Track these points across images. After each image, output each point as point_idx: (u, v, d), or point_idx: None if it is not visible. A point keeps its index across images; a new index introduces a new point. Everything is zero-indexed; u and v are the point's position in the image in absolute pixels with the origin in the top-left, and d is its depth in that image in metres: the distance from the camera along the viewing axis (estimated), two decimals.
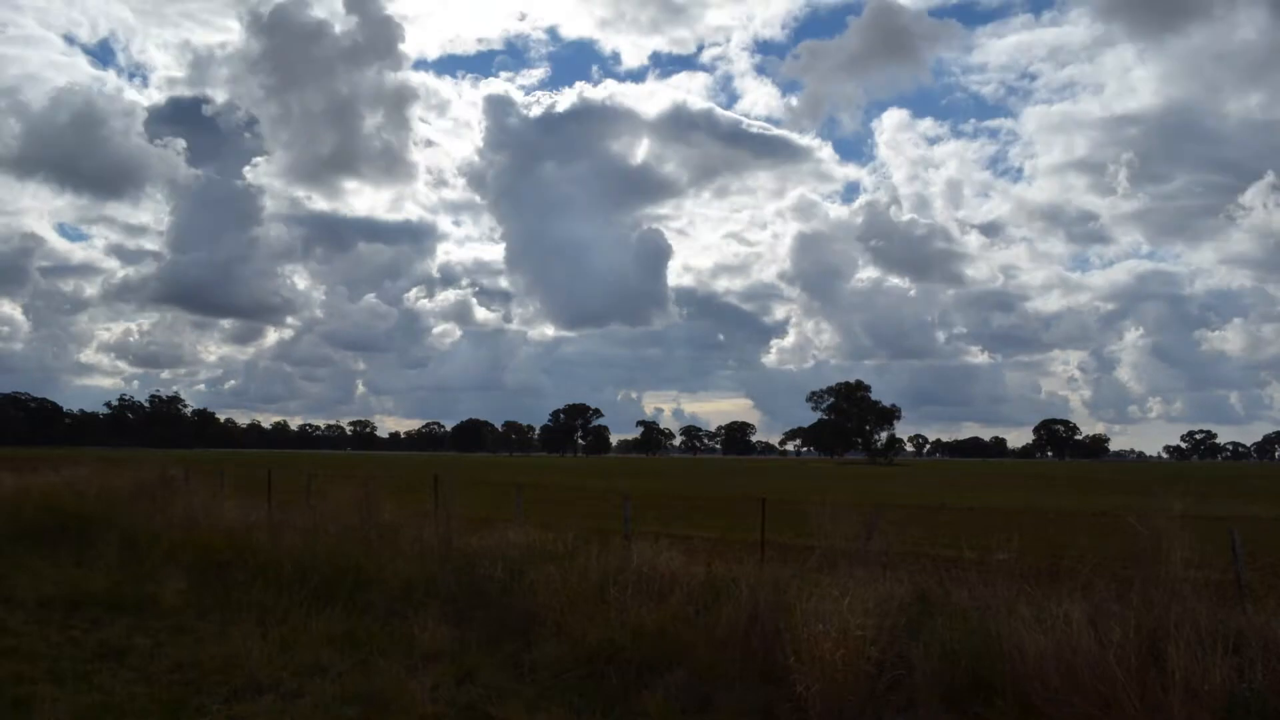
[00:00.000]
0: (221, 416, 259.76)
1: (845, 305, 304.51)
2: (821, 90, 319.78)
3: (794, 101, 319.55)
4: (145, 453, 35.47)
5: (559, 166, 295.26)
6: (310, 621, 9.71)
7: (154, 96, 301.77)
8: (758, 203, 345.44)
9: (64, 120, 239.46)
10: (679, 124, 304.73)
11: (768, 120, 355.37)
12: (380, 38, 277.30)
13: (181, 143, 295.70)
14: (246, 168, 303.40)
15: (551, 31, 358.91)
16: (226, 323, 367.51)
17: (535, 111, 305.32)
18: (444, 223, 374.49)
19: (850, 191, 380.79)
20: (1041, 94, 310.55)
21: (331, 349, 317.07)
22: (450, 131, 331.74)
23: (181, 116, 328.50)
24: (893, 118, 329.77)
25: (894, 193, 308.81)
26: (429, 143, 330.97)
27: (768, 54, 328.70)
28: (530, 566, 10.59)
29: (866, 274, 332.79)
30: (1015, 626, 7.10)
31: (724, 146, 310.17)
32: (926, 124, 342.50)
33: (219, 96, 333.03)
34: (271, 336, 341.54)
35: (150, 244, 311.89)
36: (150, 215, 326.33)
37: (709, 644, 8.24)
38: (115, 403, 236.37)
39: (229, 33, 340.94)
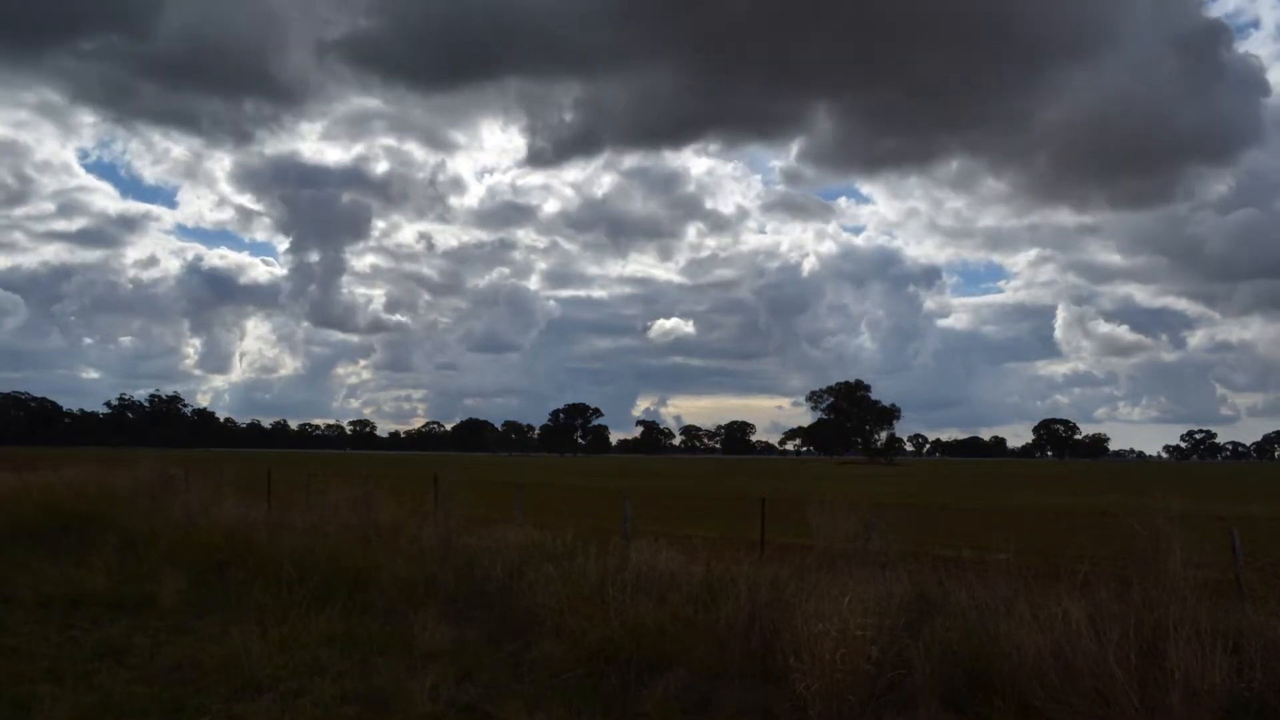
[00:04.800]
0: (221, 416, 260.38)
1: None
2: None
3: None
4: (145, 452, 35.45)
5: None
6: (310, 621, 9.70)
7: None
8: None
9: None
10: None
11: None
12: None
13: None
14: None
15: None
16: None
17: None
18: None
19: None
20: None
21: None
22: None
23: None
24: None
25: None
26: None
27: None
28: (529, 566, 10.60)
29: None
30: (1014, 626, 7.10)
31: None
32: None
33: None
34: None
35: None
36: None
37: (708, 643, 8.24)
38: (115, 402, 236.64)
39: None
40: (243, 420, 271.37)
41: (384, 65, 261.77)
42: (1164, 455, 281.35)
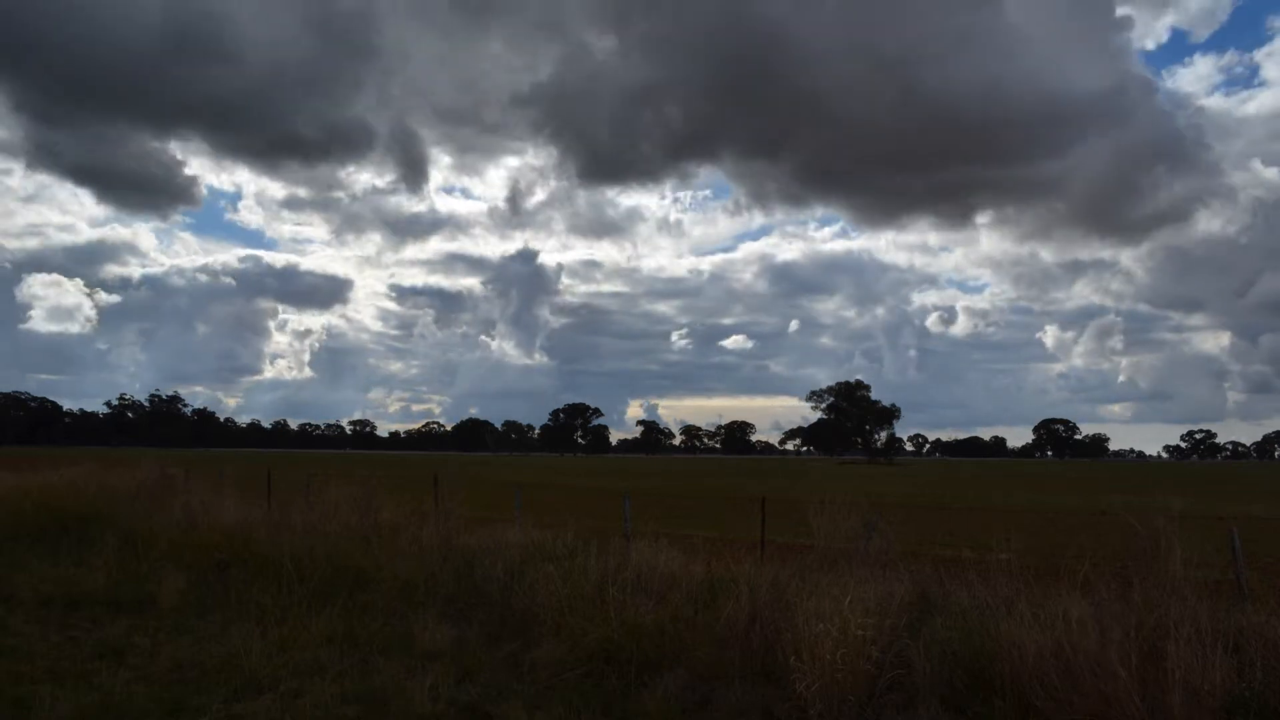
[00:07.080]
0: (221, 416, 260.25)
1: None
2: None
3: None
4: (145, 452, 35.48)
5: None
6: (310, 621, 9.70)
7: None
8: None
9: None
10: None
11: None
12: None
13: None
14: None
15: None
16: None
17: None
18: None
19: None
20: None
21: None
22: None
23: None
24: None
25: None
26: None
27: None
28: (530, 566, 10.59)
29: None
30: (1015, 626, 7.09)
31: None
32: None
33: None
34: None
35: None
36: None
37: (709, 643, 8.24)
38: (115, 402, 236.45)
39: None
40: (243, 420, 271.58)
41: None
42: (1164, 455, 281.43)
